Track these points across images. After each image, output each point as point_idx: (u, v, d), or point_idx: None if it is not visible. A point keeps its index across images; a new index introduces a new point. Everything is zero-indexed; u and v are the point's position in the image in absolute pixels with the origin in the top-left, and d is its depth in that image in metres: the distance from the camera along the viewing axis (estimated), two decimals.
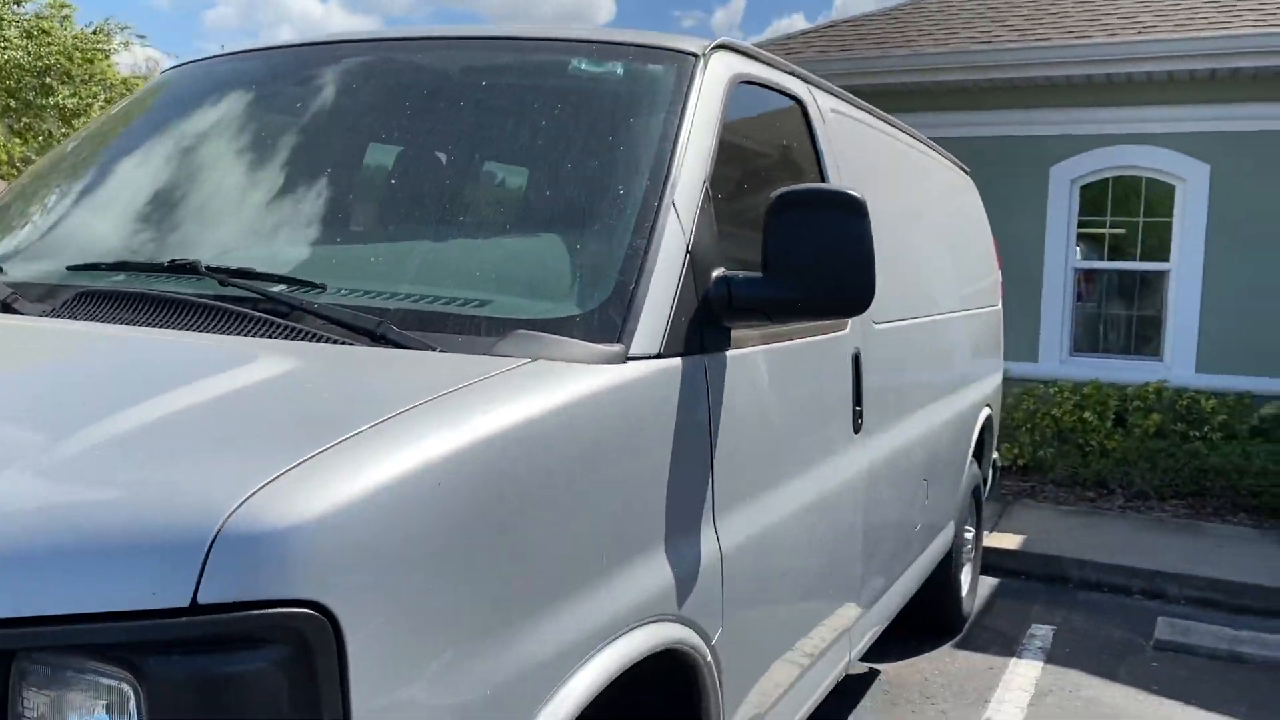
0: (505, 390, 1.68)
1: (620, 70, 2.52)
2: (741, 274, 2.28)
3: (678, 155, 2.30)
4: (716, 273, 2.29)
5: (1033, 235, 9.00)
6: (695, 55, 2.53)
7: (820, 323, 2.89)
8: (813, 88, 3.27)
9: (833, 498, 2.98)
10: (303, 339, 1.91)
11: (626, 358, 1.99)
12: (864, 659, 4.73)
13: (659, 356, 2.06)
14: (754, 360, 2.47)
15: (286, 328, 1.94)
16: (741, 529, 2.37)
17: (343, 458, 1.40)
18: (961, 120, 9.12)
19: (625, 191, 2.23)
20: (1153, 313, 8.85)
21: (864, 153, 3.69)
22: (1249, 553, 6.49)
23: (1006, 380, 8.79)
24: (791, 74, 3.09)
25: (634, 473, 1.95)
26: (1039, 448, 8.40)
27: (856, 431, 3.21)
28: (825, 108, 3.32)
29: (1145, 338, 8.91)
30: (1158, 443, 8.05)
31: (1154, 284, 8.81)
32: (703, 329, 2.23)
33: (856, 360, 3.21)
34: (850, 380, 3.16)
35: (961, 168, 5.78)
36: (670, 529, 2.06)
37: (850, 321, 3.17)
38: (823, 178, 3.14)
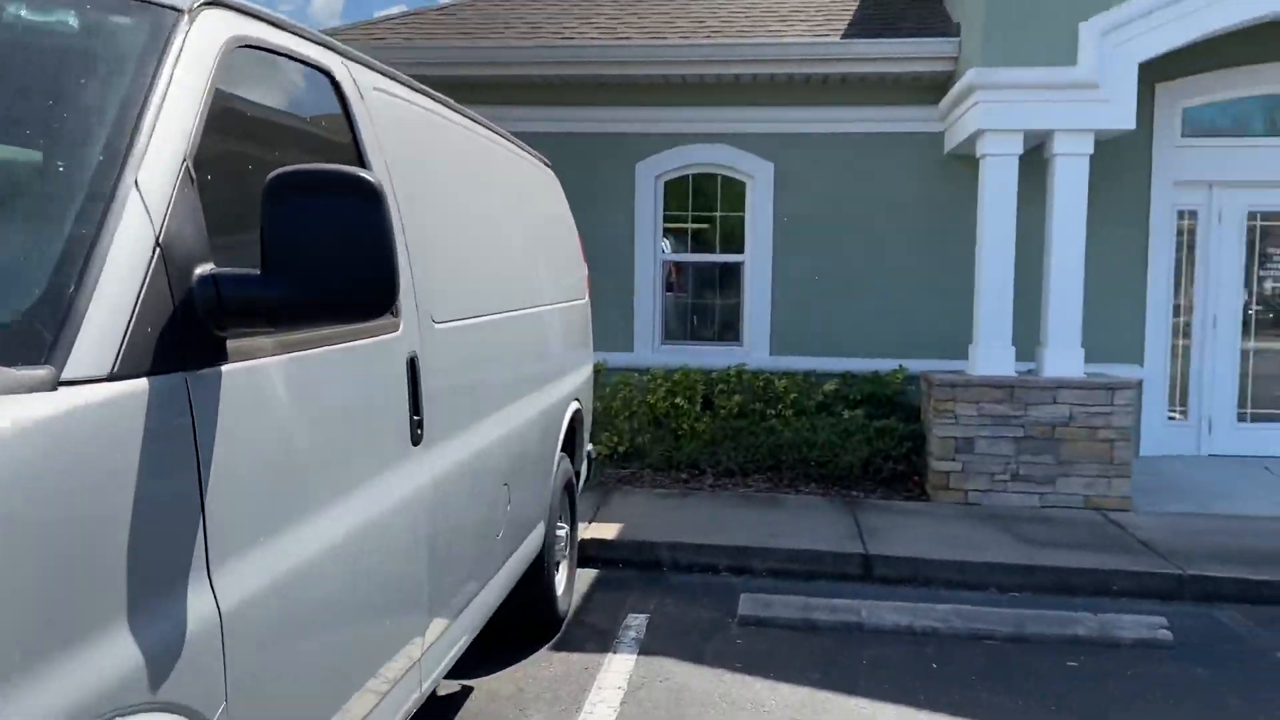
0: None
1: (73, 21, 2.02)
2: (234, 271, 1.89)
3: (145, 128, 1.87)
4: (202, 270, 1.89)
5: (623, 229, 9.25)
6: (176, 10, 2.09)
7: (361, 325, 2.57)
8: (348, 61, 2.92)
9: (387, 521, 2.66)
10: None
11: (58, 383, 1.54)
12: (457, 676, 4.49)
13: (112, 379, 1.63)
14: (265, 374, 2.09)
15: None
16: (252, 579, 1.98)
17: None
18: (551, 115, 9.17)
19: (67, 170, 1.76)
20: (733, 301, 9.42)
21: (420, 139, 3.40)
22: (819, 520, 7.03)
23: (605, 370, 8.99)
24: (317, 43, 2.72)
25: (70, 536, 1.50)
26: (637, 434, 8.64)
27: (416, 444, 2.91)
28: (366, 85, 2.99)
29: (728, 324, 9.47)
30: (740, 422, 8.56)
31: (733, 274, 9.37)
32: (184, 340, 1.82)
33: (413, 364, 2.91)
34: (405, 387, 2.85)
35: (543, 162, 5.67)
36: (136, 598, 1.64)
37: (403, 321, 2.87)
38: (362, 163, 2.80)
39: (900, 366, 8.83)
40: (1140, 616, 5.43)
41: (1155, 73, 8.34)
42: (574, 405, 5.35)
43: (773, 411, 8.67)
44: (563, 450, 5.14)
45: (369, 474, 2.58)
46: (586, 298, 6.04)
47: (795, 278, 9.13)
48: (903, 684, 4.58)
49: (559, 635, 5.09)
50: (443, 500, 3.11)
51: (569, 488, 5.34)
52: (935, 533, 6.76)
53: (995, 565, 6.16)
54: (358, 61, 3.01)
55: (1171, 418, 9.04)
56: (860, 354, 9.04)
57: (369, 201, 1.88)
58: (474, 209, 3.92)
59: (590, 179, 9.13)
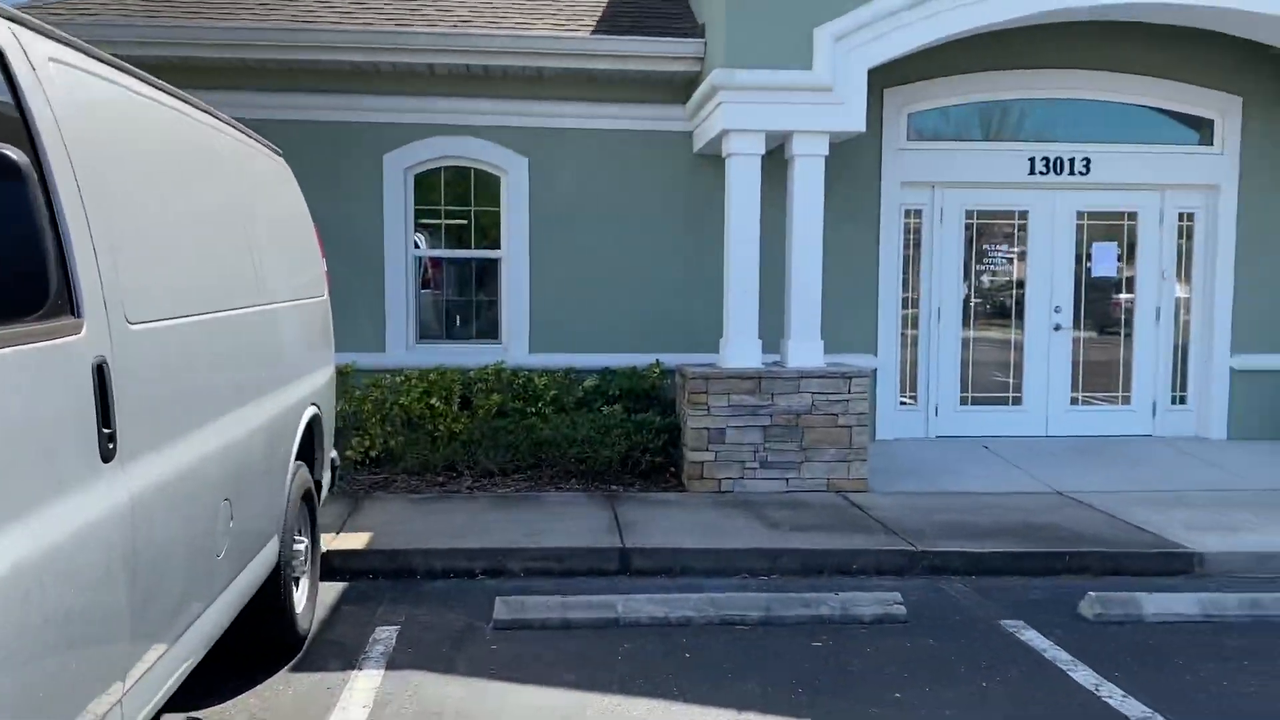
0: None
1: None
2: None
3: None
4: None
5: (371, 223, 8.89)
6: None
7: (28, 328, 2.24)
8: (16, 26, 2.56)
9: (69, 548, 2.35)
10: None
11: None
12: (183, 707, 4.12)
13: None
14: None
15: None
16: None
17: None
18: (291, 102, 8.68)
19: None
20: (491, 298, 9.25)
21: (116, 120, 3.05)
22: (579, 516, 6.99)
23: (354, 372, 8.60)
24: None
25: None
26: (390, 438, 8.31)
27: (108, 460, 2.60)
28: (40, 55, 2.63)
29: (486, 322, 9.29)
30: (500, 421, 8.40)
31: (490, 271, 9.21)
32: None
33: (100, 371, 2.59)
34: (91, 397, 2.53)
35: (274, 151, 5.30)
36: None
37: (87, 323, 2.54)
38: (33, 144, 2.46)
39: (657, 361, 8.96)
40: (878, 594, 5.71)
41: (884, 78, 8.85)
42: (311, 410, 5.03)
43: (533, 410, 8.58)
44: (300, 459, 4.82)
45: (42, 497, 2.26)
46: (326, 295, 5.72)
47: (553, 274, 9.08)
48: (657, 677, 4.59)
49: (300, 655, 4.77)
50: (146, 521, 2.80)
51: (308, 498, 5.02)
52: (690, 522, 6.88)
53: (746, 551, 6.33)
54: (29, 27, 2.64)
55: (903, 403, 9.65)
56: (618, 349, 9.09)
57: (7, 181, 1.62)
58: (185, 200, 3.58)
59: (334, 170, 8.72)
